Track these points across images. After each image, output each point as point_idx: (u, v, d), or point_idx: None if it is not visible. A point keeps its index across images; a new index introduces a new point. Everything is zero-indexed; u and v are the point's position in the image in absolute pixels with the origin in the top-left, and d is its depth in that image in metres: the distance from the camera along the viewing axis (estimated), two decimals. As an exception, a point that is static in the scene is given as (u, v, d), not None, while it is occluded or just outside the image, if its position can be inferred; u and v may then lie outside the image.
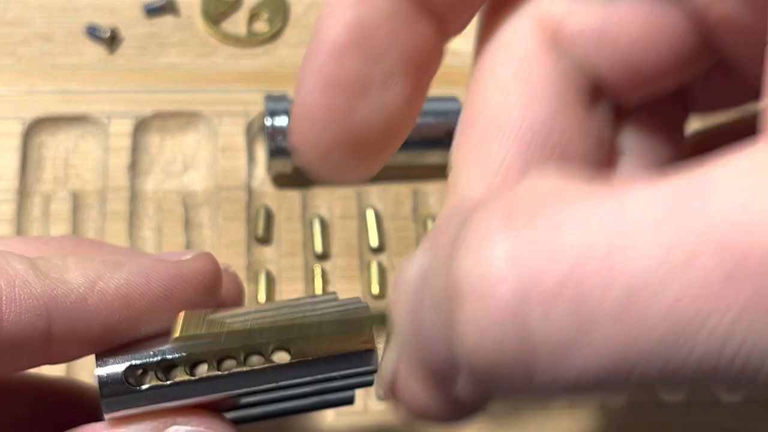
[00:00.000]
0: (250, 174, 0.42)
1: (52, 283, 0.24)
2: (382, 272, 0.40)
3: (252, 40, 0.44)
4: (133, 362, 0.25)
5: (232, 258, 0.40)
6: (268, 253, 0.41)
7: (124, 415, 0.25)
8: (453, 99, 0.42)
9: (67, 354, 0.25)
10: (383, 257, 0.41)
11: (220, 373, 0.26)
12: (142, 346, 0.26)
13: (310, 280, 0.40)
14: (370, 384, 0.28)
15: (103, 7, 0.45)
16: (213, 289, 0.27)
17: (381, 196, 0.42)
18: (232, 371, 0.26)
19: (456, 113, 0.42)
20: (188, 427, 0.25)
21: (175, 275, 0.26)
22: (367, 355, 0.27)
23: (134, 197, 0.41)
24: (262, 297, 0.40)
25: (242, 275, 0.40)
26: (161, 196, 0.41)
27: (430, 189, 0.42)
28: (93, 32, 0.44)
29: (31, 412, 0.29)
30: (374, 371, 0.27)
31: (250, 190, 0.42)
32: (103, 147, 0.42)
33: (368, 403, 0.38)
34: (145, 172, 0.42)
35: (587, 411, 0.38)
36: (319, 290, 0.40)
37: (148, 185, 0.42)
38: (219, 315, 0.28)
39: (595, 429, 0.38)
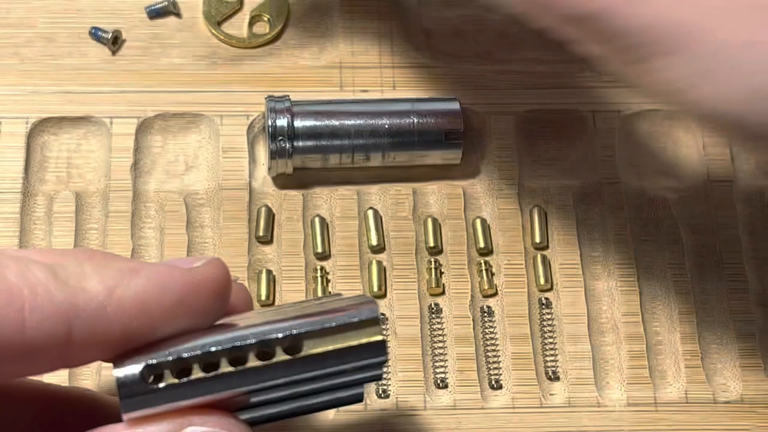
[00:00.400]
0: (251, 174, 0.42)
1: (72, 290, 0.25)
2: (382, 272, 0.41)
3: (253, 41, 0.44)
4: (150, 362, 0.26)
5: (233, 258, 0.40)
6: (268, 252, 0.41)
7: (142, 415, 0.26)
8: (453, 99, 0.43)
9: (85, 358, 0.26)
10: (383, 257, 0.41)
11: (234, 369, 0.26)
12: (157, 346, 0.26)
13: (310, 279, 0.40)
14: (380, 377, 0.28)
15: (106, 8, 0.45)
16: (224, 295, 0.27)
17: (381, 196, 0.42)
18: (246, 367, 0.26)
19: (456, 113, 0.42)
20: (204, 428, 0.26)
21: (189, 281, 0.26)
22: (377, 346, 0.27)
23: (136, 197, 0.41)
24: (263, 296, 0.40)
25: (243, 275, 0.40)
26: (163, 196, 0.42)
27: (430, 189, 0.42)
28: (96, 34, 0.44)
29: (42, 419, 0.30)
30: (385, 362, 0.28)
31: (251, 190, 0.42)
32: (105, 147, 0.42)
33: (367, 400, 0.38)
34: (147, 172, 0.42)
35: (586, 411, 0.39)
36: (320, 290, 0.40)
37: (150, 185, 0.42)
38: (230, 318, 0.28)
39: (594, 428, 0.39)
